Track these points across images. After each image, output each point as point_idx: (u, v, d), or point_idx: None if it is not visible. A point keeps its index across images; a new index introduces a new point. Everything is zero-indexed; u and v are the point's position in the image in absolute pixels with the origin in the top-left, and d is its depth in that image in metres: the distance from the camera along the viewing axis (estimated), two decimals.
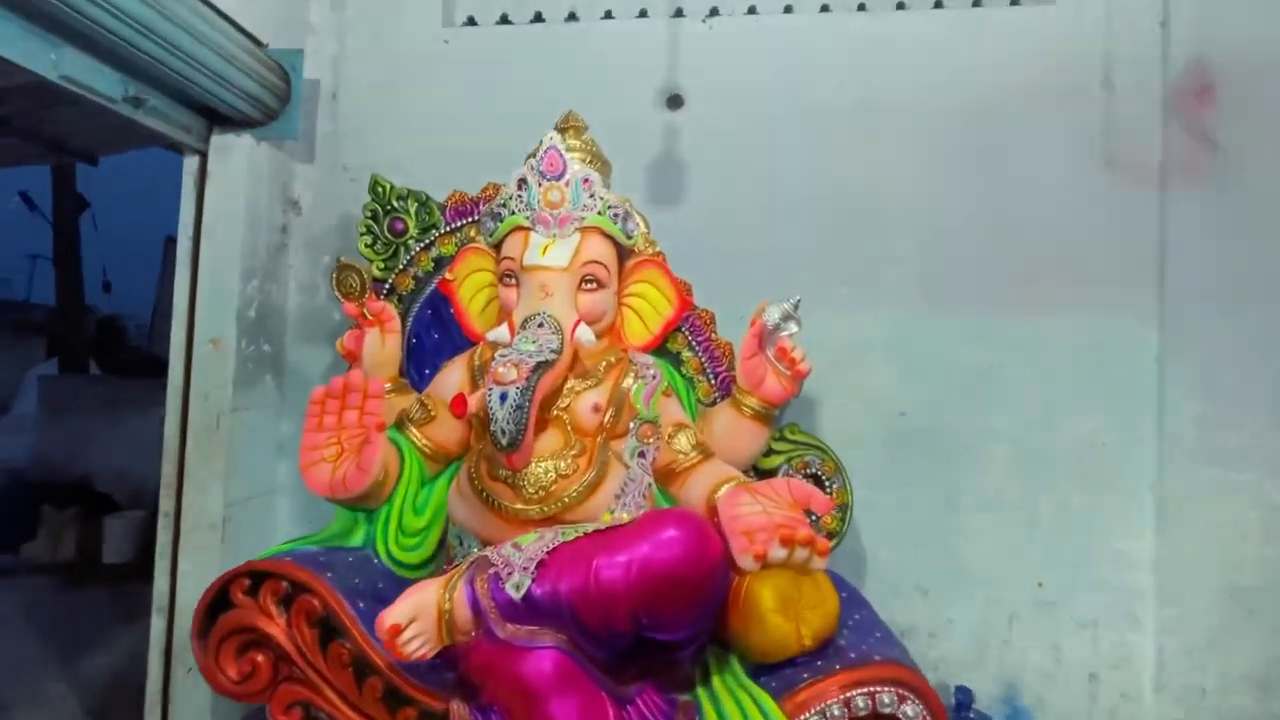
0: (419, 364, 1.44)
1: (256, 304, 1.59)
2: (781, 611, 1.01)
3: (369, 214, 1.48)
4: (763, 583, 1.02)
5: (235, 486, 1.54)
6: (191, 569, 1.51)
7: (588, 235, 1.19)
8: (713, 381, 1.41)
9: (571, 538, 0.97)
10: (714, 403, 1.39)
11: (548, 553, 0.94)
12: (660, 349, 1.35)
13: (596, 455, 1.11)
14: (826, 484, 1.37)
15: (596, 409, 1.16)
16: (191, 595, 1.43)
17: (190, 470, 1.52)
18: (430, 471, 1.24)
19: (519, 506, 1.06)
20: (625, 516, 1.06)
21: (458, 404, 0.99)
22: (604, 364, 1.22)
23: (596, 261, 1.19)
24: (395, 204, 1.48)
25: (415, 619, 0.91)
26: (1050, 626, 1.50)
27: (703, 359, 1.41)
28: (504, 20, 1.71)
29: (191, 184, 1.55)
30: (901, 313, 1.56)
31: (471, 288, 1.32)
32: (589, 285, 1.19)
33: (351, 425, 1.09)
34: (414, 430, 1.22)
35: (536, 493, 1.06)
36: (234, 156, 1.54)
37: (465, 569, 0.97)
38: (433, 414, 1.22)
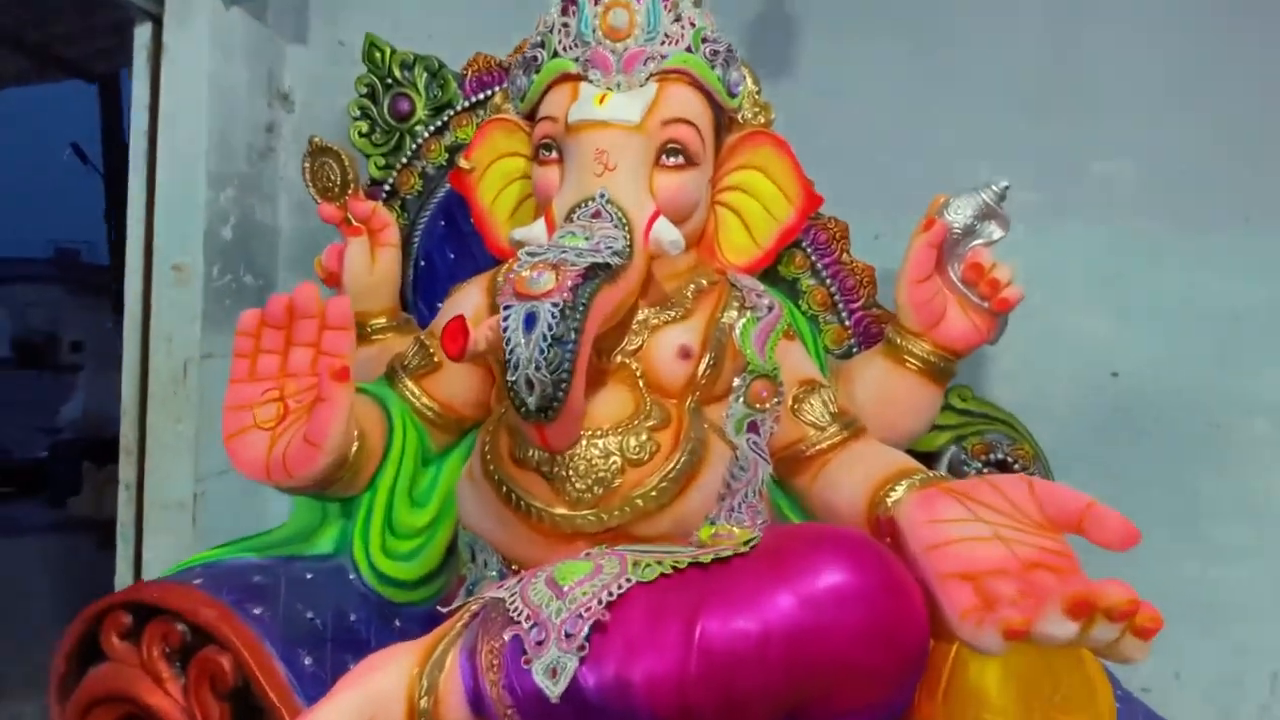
0: (429, 295, 1.01)
1: (234, 221, 1.18)
2: (1022, 712, 0.55)
3: (364, 90, 1.04)
4: (989, 663, 0.55)
5: (210, 453, 1.16)
6: (157, 557, 1.14)
7: (669, 85, 0.72)
8: (846, 323, 0.93)
9: (651, 575, 0.52)
10: (849, 354, 0.91)
11: (609, 605, 0.50)
12: (769, 273, 0.88)
13: (688, 428, 0.66)
14: None
15: (686, 354, 0.70)
16: None
17: (153, 432, 1.15)
18: (436, 444, 0.82)
19: (561, 512, 0.62)
20: (738, 532, 0.61)
21: (452, 335, 0.54)
22: (692, 287, 0.75)
23: (685, 121, 0.72)
24: (398, 75, 1.03)
25: None
26: None
27: (832, 289, 0.92)
28: None
29: (144, 59, 1.14)
30: (1120, 227, 1.03)
31: (497, 180, 0.86)
32: (673, 159, 0.72)
33: (302, 371, 0.66)
34: (410, 384, 0.79)
35: (590, 490, 0.61)
36: (196, 23, 1.12)
37: (461, 626, 0.54)
38: (437, 360, 0.78)
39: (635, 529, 0.62)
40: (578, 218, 0.66)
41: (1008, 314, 0.79)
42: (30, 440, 3.74)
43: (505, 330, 0.53)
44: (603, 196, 0.67)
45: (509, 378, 0.53)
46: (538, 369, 0.51)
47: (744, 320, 0.74)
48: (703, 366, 0.70)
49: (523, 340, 0.52)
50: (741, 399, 0.71)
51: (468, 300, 0.79)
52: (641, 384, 0.68)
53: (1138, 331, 1.02)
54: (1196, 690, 1.02)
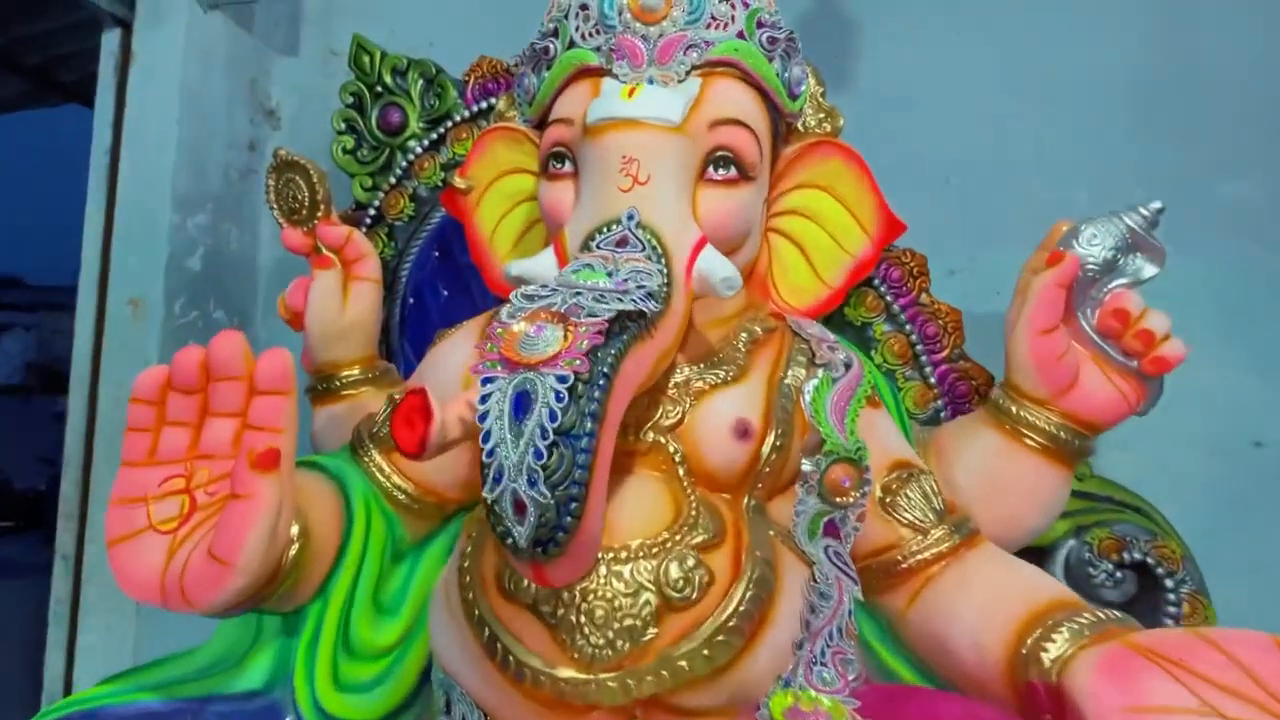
0: (418, 338, 0.82)
1: (203, 250, 1.02)
2: None
3: (349, 99, 0.88)
4: None
5: None
6: (95, 644, 0.95)
7: (715, 80, 0.54)
8: (930, 379, 0.73)
9: None
10: (935, 419, 0.71)
11: None
12: (830, 318, 0.68)
13: (750, 543, 0.46)
14: (1170, 586, 0.66)
15: (744, 432, 0.50)
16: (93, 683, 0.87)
17: (96, 493, 0.97)
18: (411, 534, 0.62)
19: (568, 676, 0.41)
20: (827, 705, 0.40)
21: (406, 419, 0.35)
22: (744, 336, 0.56)
23: (739, 123, 0.54)
24: (389, 81, 0.87)
25: None
26: None
27: (913, 338, 0.73)
28: None
29: (111, 69, 1.00)
30: (1253, 261, 0.83)
31: (500, 202, 0.68)
32: (723, 171, 0.53)
33: (220, 452, 0.48)
34: (377, 458, 0.60)
35: (611, 644, 0.41)
36: (169, 29, 0.98)
37: None
38: None
39: (678, 699, 0.41)
40: (598, 246, 0.48)
41: (1163, 378, 0.59)
42: (36, 472, 3.57)
43: (483, 419, 0.34)
44: (631, 218, 0.48)
45: (487, 494, 0.34)
46: (533, 482, 0.32)
47: (815, 381, 0.55)
48: (767, 448, 0.50)
49: (509, 435, 0.33)
50: (817, 490, 0.52)
51: (454, 355, 0.60)
52: (682, 474, 0.49)
53: None
54: None
